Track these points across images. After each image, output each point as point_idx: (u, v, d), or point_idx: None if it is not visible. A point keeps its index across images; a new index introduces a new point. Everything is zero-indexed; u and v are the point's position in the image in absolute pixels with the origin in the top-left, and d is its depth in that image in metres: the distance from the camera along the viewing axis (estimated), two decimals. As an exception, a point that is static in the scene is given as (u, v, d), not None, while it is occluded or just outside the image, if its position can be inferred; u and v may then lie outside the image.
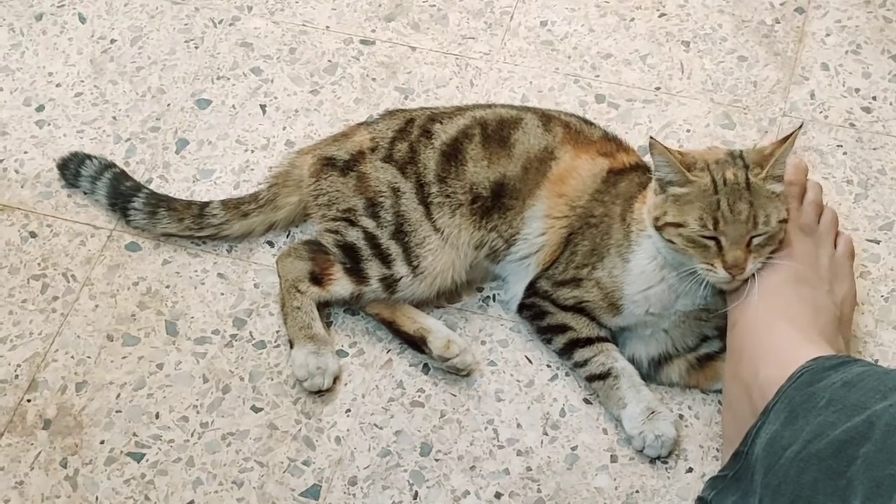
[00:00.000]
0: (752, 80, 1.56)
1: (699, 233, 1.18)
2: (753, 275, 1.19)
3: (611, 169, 1.31)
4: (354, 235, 1.34)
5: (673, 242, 1.20)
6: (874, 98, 1.53)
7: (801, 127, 1.21)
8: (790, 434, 1.03)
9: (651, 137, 1.20)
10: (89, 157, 1.47)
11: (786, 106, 1.53)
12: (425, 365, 1.33)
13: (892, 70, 1.55)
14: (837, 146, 1.49)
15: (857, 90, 1.54)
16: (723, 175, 1.19)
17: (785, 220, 1.20)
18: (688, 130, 1.51)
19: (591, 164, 1.32)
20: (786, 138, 1.20)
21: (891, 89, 1.54)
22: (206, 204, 1.42)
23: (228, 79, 1.59)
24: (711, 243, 1.18)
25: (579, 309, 1.30)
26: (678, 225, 1.19)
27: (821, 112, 1.52)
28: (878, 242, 1.41)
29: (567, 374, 1.32)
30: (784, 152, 1.19)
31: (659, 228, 1.21)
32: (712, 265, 1.18)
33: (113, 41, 1.64)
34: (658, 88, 1.56)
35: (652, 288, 1.25)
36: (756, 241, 1.18)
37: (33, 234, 1.45)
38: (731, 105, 1.53)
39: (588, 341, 1.29)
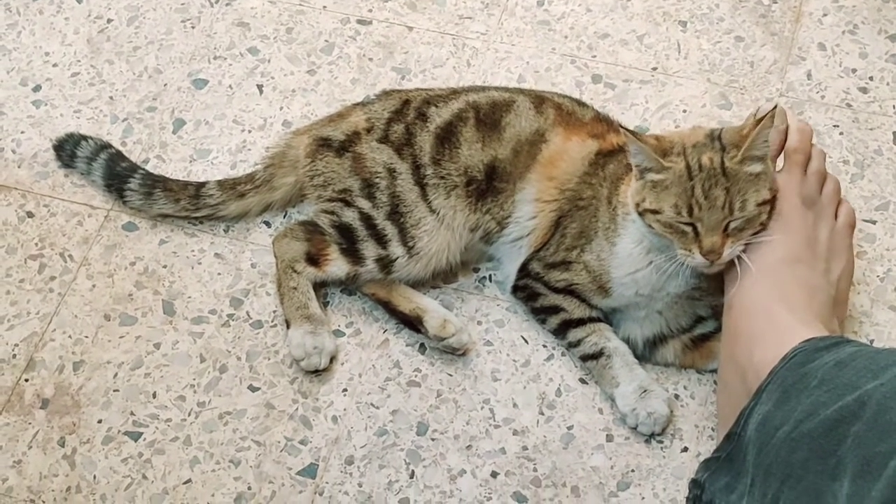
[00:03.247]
0: (748, 61, 1.55)
1: (675, 219, 1.17)
2: (740, 258, 1.18)
3: (599, 151, 1.31)
4: (350, 216, 1.34)
5: (652, 228, 1.20)
6: (871, 78, 1.53)
7: (776, 107, 1.18)
8: (782, 414, 1.04)
9: (621, 127, 1.20)
10: (85, 138, 1.48)
11: (782, 86, 1.53)
12: (422, 345, 1.34)
13: (889, 50, 1.55)
14: (834, 126, 1.49)
15: (854, 70, 1.54)
16: (698, 160, 1.17)
17: (766, 202, 1.18)
18: (684, 111, 1.51)
19: (581, 147, 1.31)
20: (762, 118, 1.17)
21: (887, 69, 1.54)
22: (203, 184, 1.42)
23: (225, 59, 1.59)
24: (689, 229, 1.17)
25: (570, 291, 1.30)
26: (655, 211, 1.18)
27: (817, 92, 1.52)
28: (874, 223, 1.41)
29: (563, 355, 1.32)
30: (760, 133, 1.17)
31: (640, 214, 1.20)
32: (690, 251, 1.18)
33: (109, 21, 1.63)
34: (655, 69, 1.55)
35: (640, 271, 1.25)
36: (733, 225, 1.17)
37: (30, 214, 1.45)
38: (727, 85, 1.53)
39: (580, 322, 1.30)
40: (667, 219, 1.18)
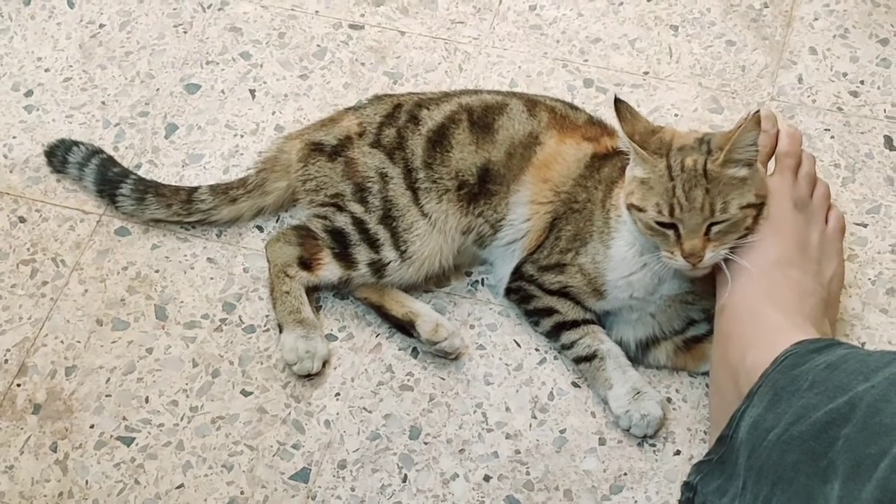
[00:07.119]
0: (740, 65, 1.56)
1: (656, 219, 1.17)
2: (732, 261, 1.18)
3: (595, 154, 1.31)
4: (342, 220, 1.34)
5: (637, 226, 1.20)
6: (862, 82, 1.53)
7: (758, 111, 1.18)
8: (773, 417, 1.04)
9: (617, 101, 1.19)
10: (76, 143, 1.47)
11: (774, 90, 1.53)
12: (414, 349, 1.34)
13: (880, 54, 1.56)
14: (825, 130, 1.49)
15: (845, 74, 1.54)
16: (681, 162, 1.17)
17: (751, 206, 1.18)
18: (676, 115, 1.51)
19: (576, 149, 1.32)
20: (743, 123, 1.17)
21: (878, 73, 1.54)
22: (195, 189, 1.42)
23: (217, 63, 1.59)
24: (671, 231, 1.18)
25: (564, 293, 1.30)
26: (640, 209, 1.19)
27: (808, 96, 1.52)
28: (865, 226, 1.41)
29: (555, 358, 1.33)
30: (741, 137, 1.16)
31: (628, 207, 1.21)
32: (672, 253, 1.18)
33: (101, 26, 1.63)
34: (646, 73, 1.56)
35: (634, 274, 1.25)
36: (715, 228, 1.17)
37: (22, 219, 1.45)
38: (719, 89, 1.54)
39: (574, 324, 1.30)
40: (648, 218, 1.18)
